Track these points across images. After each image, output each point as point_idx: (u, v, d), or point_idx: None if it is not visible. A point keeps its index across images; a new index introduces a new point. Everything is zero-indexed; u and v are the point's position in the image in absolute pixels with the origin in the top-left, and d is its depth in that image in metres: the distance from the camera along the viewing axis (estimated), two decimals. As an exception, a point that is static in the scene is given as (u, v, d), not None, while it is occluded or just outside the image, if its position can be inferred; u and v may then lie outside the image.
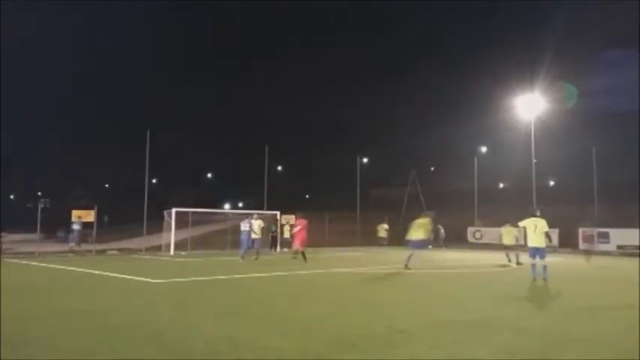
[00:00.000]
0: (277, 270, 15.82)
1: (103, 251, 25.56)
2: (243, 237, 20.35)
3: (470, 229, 36.06)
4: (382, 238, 32.77)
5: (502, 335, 6.82)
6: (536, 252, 13.63)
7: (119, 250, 26.90)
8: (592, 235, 26.88)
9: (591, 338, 6.80)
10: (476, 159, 40.05)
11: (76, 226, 25.12)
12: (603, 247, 28.38)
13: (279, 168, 64.72)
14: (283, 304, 9.76)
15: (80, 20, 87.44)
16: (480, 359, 5.65)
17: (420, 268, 16.63)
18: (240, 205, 60.59)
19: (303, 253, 18.30)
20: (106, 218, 46.09)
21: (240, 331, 6.92)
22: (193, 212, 28.49)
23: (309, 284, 13.31)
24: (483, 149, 52.57)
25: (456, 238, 34.63)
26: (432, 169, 61.88)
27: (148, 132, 28.43)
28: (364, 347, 6.09)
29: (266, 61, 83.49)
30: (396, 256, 23.92)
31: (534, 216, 14.05)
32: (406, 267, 16.28)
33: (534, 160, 34.41)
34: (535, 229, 13.65)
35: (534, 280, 13.52)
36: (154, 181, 53.21)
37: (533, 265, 13.75)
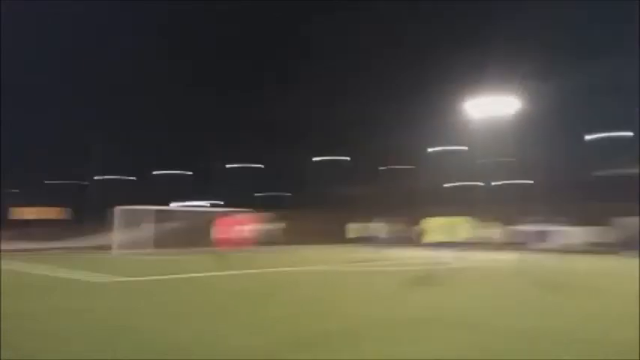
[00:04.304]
0: (235, 269, 15.66)
1: (49, 249, 24.82)
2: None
3: (424, 228, 36.74)
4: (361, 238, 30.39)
5: (452, 331, 7.02)
6: (440, 246, 15.81)
7: (66, 248, 26.21)
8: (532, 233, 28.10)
9: (536, 331, 7.03)
10: (426, 159, 40.94)
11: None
12: (544, 245, 29.68)
13: (245, 166, 64.16)
14: (240, 302, 9.71)
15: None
16: (431, 358, 5.72)
17: (376, 266, 17.10)
18: (200, 203, 59.72)
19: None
20: (66, 216, 44.71)
21: (197, 330, 6.88)
22: (147, 210, 27.93)
23: (268, 283, 13.27)
24: (434, 149, 53.63)
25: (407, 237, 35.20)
26: (394, 167, 62.56)
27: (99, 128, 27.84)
28: (321, 345, 6.16)
29: (232, 59, 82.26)
30: (355, 254, 24.18)
31: (446, 216, 15.79)
32: None
33: (482, 161, 35.50)
34: (440, 227, 15.76)
35: (444, 270, 15.23)
36: (106, 177, 51.86)
37: (438, 257, 15.69)
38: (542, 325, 7.40)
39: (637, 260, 17.47)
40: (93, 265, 18.03)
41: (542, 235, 29.99)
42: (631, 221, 27.67)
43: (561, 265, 18.68)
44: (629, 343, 6.14)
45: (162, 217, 29.02)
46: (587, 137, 50.35)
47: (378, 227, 32.50)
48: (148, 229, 27.42)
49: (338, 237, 34.60)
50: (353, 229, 26.76)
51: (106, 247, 25.89)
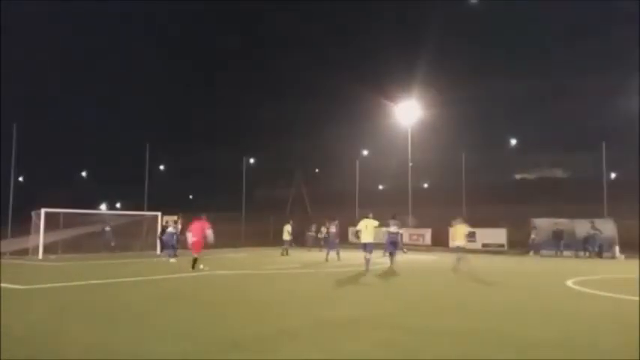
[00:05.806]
0: (158, 273, 15.30)
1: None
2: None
3: (351, 229, 37.26)
4: (287, 241, 27.38)
5: (379, 331, 7.16)
6: (367, 247, 16.13)
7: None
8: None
9: (461, 332, 7.32)
10: (357, 162, 41.70)
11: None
12: (470, 245, 30.84)
13: (162, 167, 62.66)
14: (165, 307, 9.46)
15: None
16: (360, 358, 5.82)
17: (303, 268, 17.14)
18: (118, 205, 57.78)
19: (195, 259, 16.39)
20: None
21: (118, 337, 6.66)
22: (65, 213, 26.57)
23: (194, 286, 13.00)
24: (365, 152, 54.78)
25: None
26: (317, 170, 63.28)
27: (15, 125, 26.25)
28: (250, 347, 6.13)
29: (149, 58, 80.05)
30: (280, 257, 24.26)
31: (367, 218, 16.67)
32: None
33: (410, 164, 36.54)
34: (366, 229, 16.27)
35: (367, 271, 15.61)
36: (20, 179, 48.92)
37: (368, 260, 16.05)
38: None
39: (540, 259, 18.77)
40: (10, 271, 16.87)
41: (470, 236, 31.19)
42: (543, 222, 29.23)
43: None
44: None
45: (86, 220, 27.70)
46: (510, 141, 53.22)
47: (314, 229, 32.69)
48: (72, 233, 26.08)
49: (271, 239, 34.44)
50: (287, 230, 26.82)
51: (24, 252, 24.43)
